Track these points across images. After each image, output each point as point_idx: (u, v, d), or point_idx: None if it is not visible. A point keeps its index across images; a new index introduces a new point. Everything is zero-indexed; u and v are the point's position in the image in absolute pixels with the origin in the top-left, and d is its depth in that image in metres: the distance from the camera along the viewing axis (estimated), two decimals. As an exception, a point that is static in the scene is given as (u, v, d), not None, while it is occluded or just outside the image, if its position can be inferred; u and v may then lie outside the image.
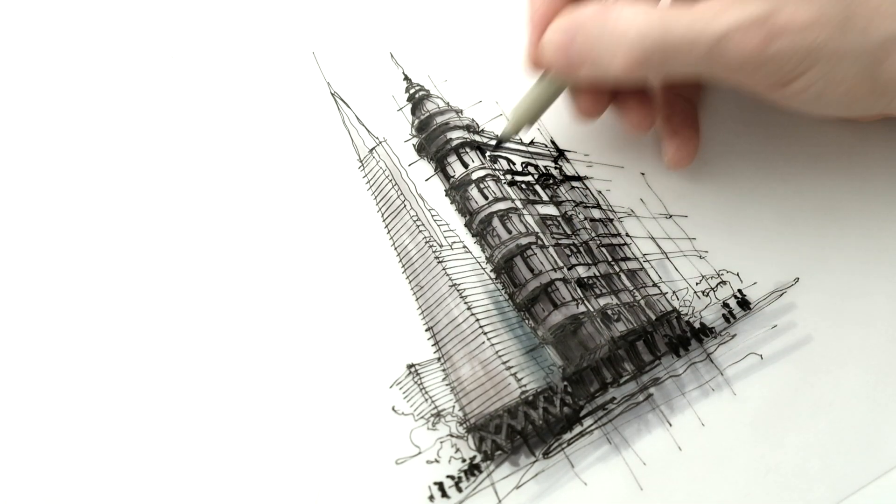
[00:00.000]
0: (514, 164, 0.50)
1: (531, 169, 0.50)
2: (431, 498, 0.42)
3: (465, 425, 0.44)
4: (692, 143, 0.47)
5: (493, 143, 0.49)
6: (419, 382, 0.45)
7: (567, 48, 0.41)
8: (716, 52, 0.37)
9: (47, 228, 0.49)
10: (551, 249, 0.48)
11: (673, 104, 0.47)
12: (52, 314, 0.47)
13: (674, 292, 0.46)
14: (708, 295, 0.46)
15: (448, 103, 0.51)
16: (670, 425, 0.43)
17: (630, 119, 0.46)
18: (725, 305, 0.46)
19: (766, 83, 0.39)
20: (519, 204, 0.49)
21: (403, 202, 0.49)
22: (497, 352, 0.45)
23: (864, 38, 0.37)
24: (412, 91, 0.51)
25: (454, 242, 0.48)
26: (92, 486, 0.43)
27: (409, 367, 0.45)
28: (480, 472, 0.43)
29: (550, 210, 0.49)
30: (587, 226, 0.48)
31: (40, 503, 0.43)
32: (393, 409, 0.44)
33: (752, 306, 0.45)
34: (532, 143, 0.50)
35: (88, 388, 0.45)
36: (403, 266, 0.47)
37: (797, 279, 0.45)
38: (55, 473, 0.43)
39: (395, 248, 0.48)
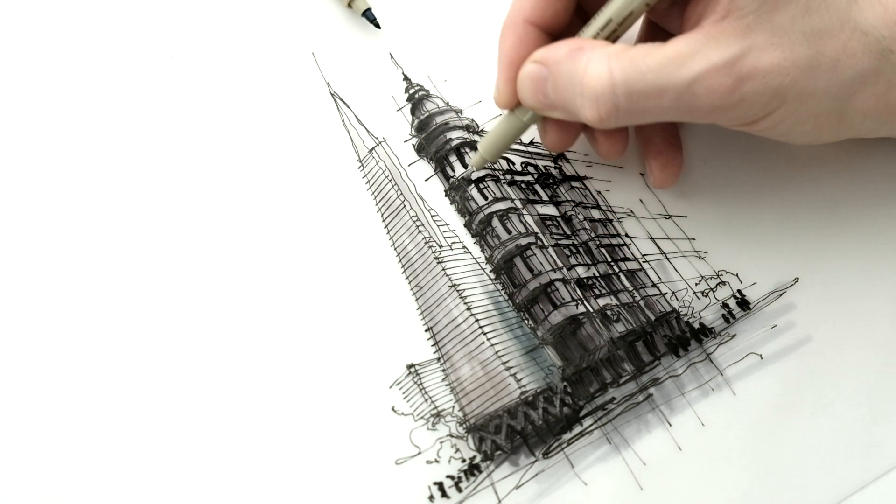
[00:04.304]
0: (513, 164, 0.50)
1: (531, 169, 0.50)
2: (431, 498, 0.42)
3: (464, 425, 0.44)
4: (675, 162, 0.46)
5: (464, 178, 0.49)
6: (419, 383, 0.45)
7: (541, 92, 0.40)
8: (686, 99, 0.37)
9: (46, 228, 0.49)
10: (551, 250, 0.48)
11: (654, 125, 0.46)
12: (50, 314, 0.46)
13: (673, 293, 0.46)
14: (707, 295, 0.46)
15: (448, 103, 0.51)
16: (670, 425, 0.43)
17: (599, 149, 0.45)
18: (725, 306, 0.46)
19: (734, 122, 0.39)
20: (518, 204, 0.49)
21: (403, 202, 0.49)
22: (497, 352, 0.45)
23: (832, 78, 0.37)
24: (412, 91, 0.51)
25: (454, 243, 0.48)
26: (92, 485, 0.43)
27: (409, 367, 0.45)
28: (480, 472, 0.43)
29: (550, 210, 0.49)
30: (587, 226, 0.48)
31: (40, 503, 0.43)
32: (393, 409, 0.44)
33: (751, 306, 0.45)
34: (532, 143, 0.50)
35: (88, 388, 0.45)
36: (403, 266, 0.47)
37: (797, 279, 0.45)
38: (55, 473, 0.43)
39: (395, 249, 0.48)
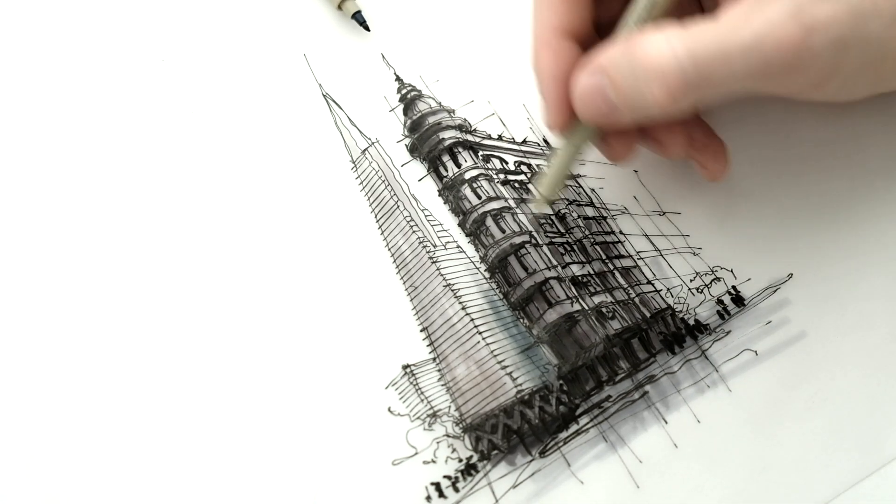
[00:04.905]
0: (507, 163, 0.50)
1: (524, 168, 0.50)
2: (428, 498, 0.42)
3: (461, 425, 0.44)
4: (723, 151, 0.44)
5: (531, 222, 0.48)
6: (415, 383, 0.45)
7: (603, 100, 0.38)
8: (755, 57, 0.35)
9: (38, 231, 0.48)
10: (545, 248, 0.48)
11: (689, 122, 0.44)
12: (38, 319, 0.46)
13: (668, 289, 0.46)
14: (702, 291, 0.46)
15: (440, 103, 0.51)
16: (666, 423, 0.43)
17: (666, 150, 0.43)
18: (720, 302, 0.46)
19: (805, 85, 0.38)
20: (512, 203, 0.49)
21: (396, 203, 0.48)
22: (492, 351, 0.45)
23: (879, 21, 0.36)
24: (404, 91, 0.51)
25: (448, 242, 0.48)
26: (89, 485, 0.43)
27: (405, 367, 0.45)
28: (477, 471, 0.43)
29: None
30: (581, 224, 0.48)
31: (40, 503, 0.43)
32: (389, 410, 0.44)
33: (746, 302, 0.45)
34: (525, 141, 0.50)
35: (83, 388, 0.45)
36: (397, 267, 0.47)
37: (791, 275, 0.45)
38: (55, 473, 0.43)
39: (389, 249, 0.48)
